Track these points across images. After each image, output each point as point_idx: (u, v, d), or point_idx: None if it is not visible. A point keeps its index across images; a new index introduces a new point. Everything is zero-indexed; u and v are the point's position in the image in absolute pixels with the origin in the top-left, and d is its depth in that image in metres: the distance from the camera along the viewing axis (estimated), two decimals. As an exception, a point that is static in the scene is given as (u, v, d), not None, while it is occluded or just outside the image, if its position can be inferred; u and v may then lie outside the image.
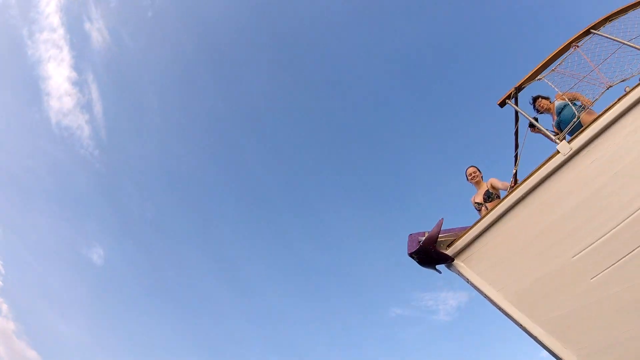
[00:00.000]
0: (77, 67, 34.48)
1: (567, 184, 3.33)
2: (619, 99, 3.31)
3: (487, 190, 4.88)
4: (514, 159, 4.55)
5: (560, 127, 4.91)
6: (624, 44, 3.80)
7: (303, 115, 38.24)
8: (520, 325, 3.32)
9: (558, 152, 3.35)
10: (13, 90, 34.40)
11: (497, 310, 3.43)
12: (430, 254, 3.52)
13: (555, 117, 5.05)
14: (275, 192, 38.73)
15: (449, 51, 35.29)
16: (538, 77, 4.31)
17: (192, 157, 37.47)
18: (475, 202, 4.98)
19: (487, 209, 4.59)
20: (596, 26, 4.13)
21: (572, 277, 3.22)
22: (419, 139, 37.03)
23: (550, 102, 5.18)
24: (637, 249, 3.01)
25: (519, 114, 4.26)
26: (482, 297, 3.50)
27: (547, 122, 5.22)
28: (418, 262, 3.58)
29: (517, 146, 4.63)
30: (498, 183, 4.91)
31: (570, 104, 4.58)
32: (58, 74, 34.06)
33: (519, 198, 3.43)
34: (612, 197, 3.16)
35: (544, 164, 3.39)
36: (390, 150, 37.85)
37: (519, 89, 4.32)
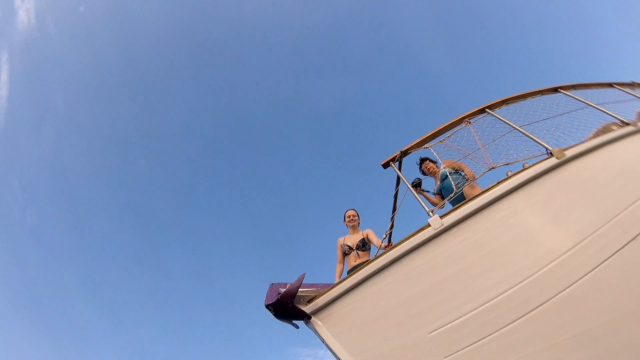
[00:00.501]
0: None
1: (433, 258, 3.30)
2: (498, 182, 3.41)
3: (363, 239, 4.99)
4: (390, 220, 4.53)
5: (441, 193, 5.12)
6: (515, 128, 3.93)
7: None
8: None
9: (429, 225, 3.32)
10: None
11: None
12: (287, 308, 3.35)
13: (438, 183, 5.26)
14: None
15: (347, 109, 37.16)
16: (425, 145, 4.35)
17: (89, 167, 35.42)
18: (346, 244, 5.09)
19: (358, 255, 4.80)
20: (492, 106, 4.25)
21: (426, 354, 3.13)
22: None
23: (437, 166, 5.39)
24: (494, 333, 2.99)
25: (400, 178, 4.25)
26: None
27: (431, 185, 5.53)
28: (274, 315, 3.40)
29: (394, 209, 4.64)
30: (374, 237, 5.02)
31: (451, 175, 4.78)
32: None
33: (385, 265, 3.34)
34: (475, 279, 3.18)
35: (413, 235, 3.35)
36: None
37: (404, 153, 4.33)
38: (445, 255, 3.30)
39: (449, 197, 4.28)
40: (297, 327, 3.57)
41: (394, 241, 4.57)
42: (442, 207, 4.96)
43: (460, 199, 4.57)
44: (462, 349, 3.03)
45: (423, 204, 3.62)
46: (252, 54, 35.99)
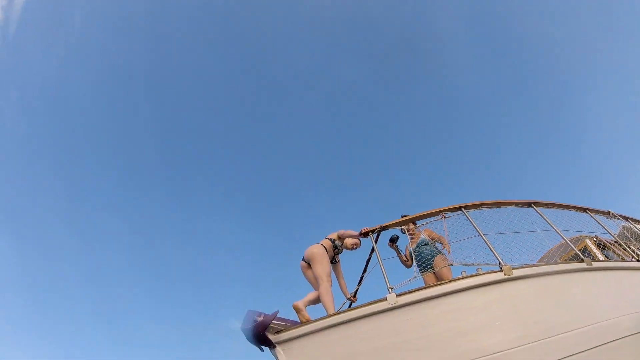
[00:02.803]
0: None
1: (381, 327, 3.94)
2: (452, 280, 4.06)
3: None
4: (359, 279, 5.30)
5: (415, 256, 5.54)
6: (479, 234, 4.53)
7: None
8: None
9: (386, 299, 3.96)
10: None
11: None
12: (260, 336, 4.11)
13: (414, 245, 5.76)
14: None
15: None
16: (402, 226, 5.11)
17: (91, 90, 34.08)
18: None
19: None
20: (468, 207, 4.84)
21: None
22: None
23: (416, 228, 5.89)
24: None
25: (375, 249, 4.83)
26: None
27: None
28: (247, 338, 4.16)
29: (365, 270, 5.36)
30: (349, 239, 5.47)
31: (427, 246, 5.44)
32: None
33: (343, 321, 4.01)
34: (408, 354, 3.84)
35: (371, 304, 4.00)
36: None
37: (383, 228, 4.99)
38: (391, 327, 3.93)
39: (421, 264, 5.06)
40: (262, 350, 4.31)
41: (358, 299, 5.36)
42: (409, 267, 5.71)
43: (428, 267, 5.30)
44: None
45: (386, 279, 4.22)
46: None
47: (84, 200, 33.88)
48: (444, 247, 5.46)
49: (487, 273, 4.11)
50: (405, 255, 5.96)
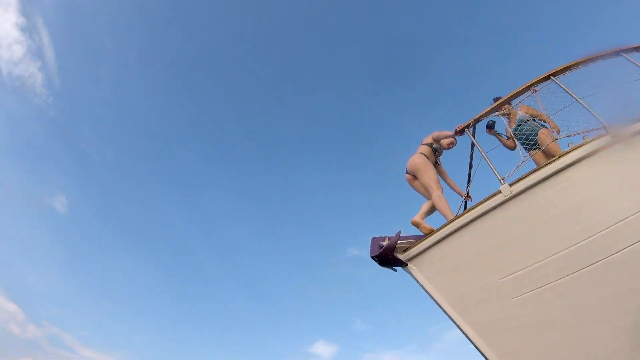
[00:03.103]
0: (24, 11, 33.03)
1: (503, 219, 4.00)
2: (560, 156, 3.89)
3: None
4: (467, 177, 5.30)
5: (517, 137, 5.48)
6: (576, 99, 4.25)
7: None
8: (456, 324, 4.15)
9: (500, 192, 3.98)
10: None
11: (439, 308, 4.25)
12: (389, 259, 4.37)
13: (513, 125, 5.60)
14: (236, 126, 37.60)
15: None
16: (495, 113, 4.90)
17: (151, 98, 35.49)
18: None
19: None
20: (556, 73, 4.50)
21: (497, 294, 4.01)
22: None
23: (512, 107, 5.66)
24: (553, 282, 3.78)
25: (474, 143, 4.76)
26: (428, 296, 4.31)
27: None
28: (378, 264, 4.44)
29: (470, 166, 5.33)
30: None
31: (528, 122, 5.28)
32: (4, 21, 32.12)
33: (464, 224, 4.13)
34: (539, 238, 3.87)
35: (486, 200, 4.03)
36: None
37: (477, 120, 4.85)
38: (513, 217, 3.97)
39: (525, 143, 5.03)
40: (396, 271, 4.60)
41: (470, 194, 5.39)
42: (513, 148, 5.61)
43: (533, 146, 5.17)
44: (527, 293, 3.87)
45: (495, 171, 4.19)
46: None
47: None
48: (546, 122, 5.28)
49: (594, 140, 3.88)
50: (507, 138, 5.80)
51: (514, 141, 5.55)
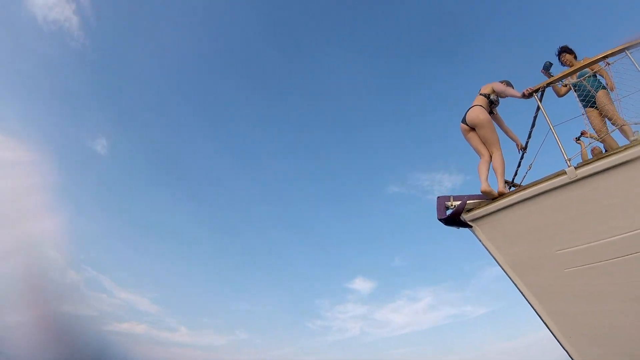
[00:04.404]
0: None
1: (566, 199, 4.16)
2: (626, 147, 3.86)
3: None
4: (528, 133, 5.38)
5: (575, 89, 5.41)
6: None
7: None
8: (514, 283, 4.62)
9: (565, 173, 4.07)
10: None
11: (500, 268, 4.69)
12: (456, 222, 4.80)
13: (574, 78, 5.48)
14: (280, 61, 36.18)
15: None
16: (565, 80, 4.95)
17: (191, 41, 33.72)
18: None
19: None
20: (631, 47, 4.22)
21: (553, 264, 4.35)
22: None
23: (575, 59, 5.62)
24: (603, 262, 4.05)
25: (543, 112, 4.69)
26: (490, 256, 4.75)
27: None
28: (444, 224, 4.87)
29: (533, 125, 5.22)
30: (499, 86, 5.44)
31: (589, 78, 5.22)
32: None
33: (528, 197, 4.35)
34: (594, 221, 4.04)
35: (551, 178, 4.16)
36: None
37: (548, 84, 4.75)
38: (576, 199, 4.10)
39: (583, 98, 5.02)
40: (459, 228, 4.96)
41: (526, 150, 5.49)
42: (561, 96, 5.67)
43: (591, 103, 5.17)
44: (578, 267, 4.18)
45: (563, 150, 4.24)
46: None
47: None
48: (607, 83, 5.14)
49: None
50: (561, 85, 5.63)
51: (567, 90, 5.48)
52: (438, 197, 4.92)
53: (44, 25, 32.77)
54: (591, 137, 5.66)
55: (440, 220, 4.83)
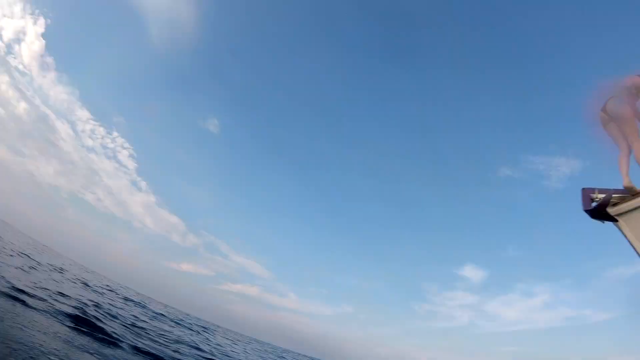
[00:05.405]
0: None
1: None
2: None
3: None
4: None
5: None
6: None
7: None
8: None
9: None
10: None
11: None
12: (602, 214, 4.67)
13: None
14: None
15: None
16: None
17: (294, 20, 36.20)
18: None
19: None
20: None
21: None
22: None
23: None
24: None
25: None
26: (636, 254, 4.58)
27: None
28: (590, 217, 4.74)
29: None
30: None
31: None
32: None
33: None
34: None
35: None
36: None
37: None
38: None
39: None
40: (604, 222, 4.87)
41: None
42: None
43: None
44: None
45: None
46: None
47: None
48: None
49: None
50: None
51: None
52: (583, 188, 4.91)
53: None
54: None
55: (586, 211, 4.73)
